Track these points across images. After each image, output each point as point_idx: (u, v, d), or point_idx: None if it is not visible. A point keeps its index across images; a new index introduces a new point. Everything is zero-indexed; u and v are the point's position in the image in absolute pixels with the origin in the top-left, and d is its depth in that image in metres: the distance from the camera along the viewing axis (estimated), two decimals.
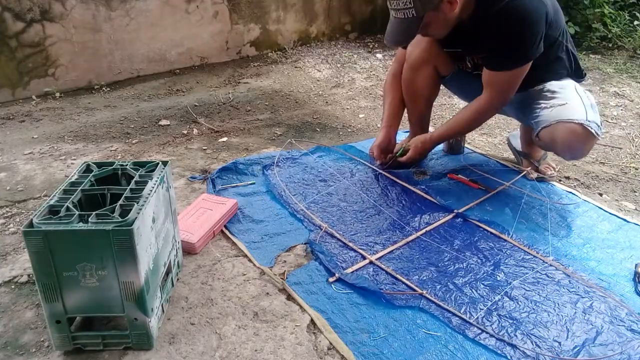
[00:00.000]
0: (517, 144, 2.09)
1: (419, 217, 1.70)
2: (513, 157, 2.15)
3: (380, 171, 1.99)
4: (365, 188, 1.87)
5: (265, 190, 1.85)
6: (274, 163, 2.01)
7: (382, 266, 1.46)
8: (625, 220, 1.70)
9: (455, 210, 1.72)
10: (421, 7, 1.55)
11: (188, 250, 1.51)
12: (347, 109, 2.75)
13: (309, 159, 2.08)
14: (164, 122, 2.54)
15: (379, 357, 1.16)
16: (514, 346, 1.19)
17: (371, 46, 3.94)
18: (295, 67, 3.45)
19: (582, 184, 1.97)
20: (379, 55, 3.72)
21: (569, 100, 1.67)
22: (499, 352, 1.18)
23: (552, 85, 1.73)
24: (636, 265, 1.46)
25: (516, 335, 1.22)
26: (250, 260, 1.48)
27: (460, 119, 1.83)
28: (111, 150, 2.22)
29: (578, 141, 1.64)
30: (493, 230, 1.63)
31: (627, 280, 1.42)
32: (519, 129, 2.11)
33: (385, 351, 1.18)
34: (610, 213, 1.73)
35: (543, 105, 1.72)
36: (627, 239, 1.60)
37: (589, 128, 1.61)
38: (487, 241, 1.59)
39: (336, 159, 2.10)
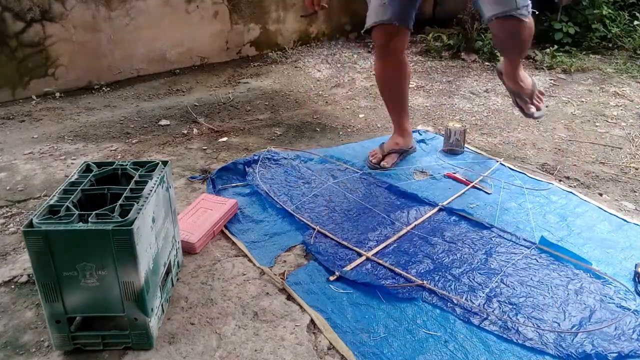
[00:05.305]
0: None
1: (407, 212, 1.72)
2: (514, 157, 2.16)
3: (376, 166, 2.01)
4: (349, 188, 1.88)
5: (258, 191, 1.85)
6: (255, 161, 2.01)
7: (380, 261, 1.47)
8: (625, 220, 1.70)
9: (440, 204, 1.75)
10: None
11: (188, 250, 1.51)
12: (347, 108, 2.75)
13: (290, 161, 2.07)
14: (164, 122, 2.54)
15: (379, 357, 1.16)
16: (517, 330, 1.23)
17: (371, 46, 3.94)
18: (295, 67, 3.45)
19: (582, 184, 1.97)
20: None
21: None
22: (504, 336, 1.21)
23: None
24: (636, 265, 1.46)
25: (518, 320, 1.26)
26: (250, 260, 1.48)
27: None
28: (111, 150, 2.22)
29: (515, 33, 1.70)
30: (479, 220, 1.66)
31: (627, 281, 1.42)
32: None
33: (385, 351, 1.18)
34: (610, 213, 1.74)
35: None
36: (627, 239, 1.60)
37: (520, 17, 1.65)
38: (476, 231, 1.62)
39: (318, 161, 2.09)
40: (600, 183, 1.98)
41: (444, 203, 1.76)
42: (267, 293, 1.36)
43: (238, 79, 3.20)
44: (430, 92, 3.02)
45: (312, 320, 1.26)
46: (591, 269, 1.44)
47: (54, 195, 1.14)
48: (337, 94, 2.98)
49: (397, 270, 1.43)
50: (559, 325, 1.25)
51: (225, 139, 2.34)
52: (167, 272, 1.30)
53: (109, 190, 1.20)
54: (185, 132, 2.42)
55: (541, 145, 2.31)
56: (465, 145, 2.20)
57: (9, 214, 1.74)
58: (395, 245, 1.56)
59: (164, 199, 1.27)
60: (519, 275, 1.42)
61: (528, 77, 1.99)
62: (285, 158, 2.08)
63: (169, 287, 1.32)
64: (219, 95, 2.91)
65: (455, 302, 1.32)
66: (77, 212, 1.07)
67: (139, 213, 1.08)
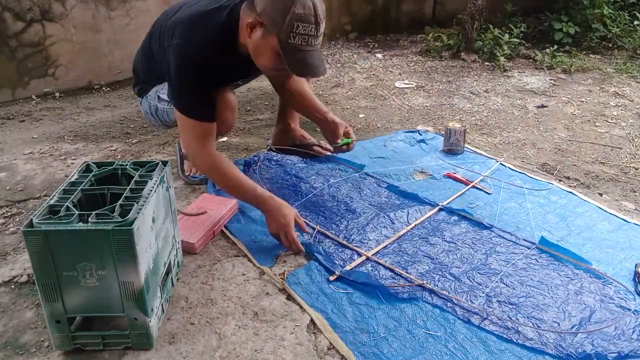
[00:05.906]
0: None
1: (407, 211, 1.72)
2: (514, 157, 2.16)
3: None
4: (349, 187, 1.88)
5: None
6: (255, 162, 2.02)
7: (380, 261, 1.47)
8: (625, 220, 1.70)
9: (440, 204, 1.75)
10: None
11: (188, 250, 1.51)
12: (347, 108, 2.75)
13: (287, 161, 2.07)
14: None
15: (379, 357, 1.16)
16: (517, 330, 1.23)
17: (371, 46, 3.94)
18: None
19: (582, 184, 1.97)
20: (379, 55, 3.72)
21: None
22: (504, 336, 1.21)
23: None
24: (636, 265, 1.46)
25: (518, 319, 1.27)
26: (250, 260, 1.48)
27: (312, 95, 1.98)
28: (111, 150, 2.22)
29: None
30: (479, 220, 1.66)
31: (627, 280, 1.42)
32: None
33: (385, 351, 1.18)
34: (610, 213, 1.73)
35: None
36: (627, 239, 1.60)
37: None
38: (476, 231, 1.63)
39: (318, 161, 2.09)
40: (600, 183, 1.98)
41: (444, 203, 1.76)
42: (267, 293, 1.36)
43: None
44: (430, 92, 3.02)
45: (312, 320, 1.26)
46: (591, 269, 1.44)
47: (54, 195, 1.14)
48: (337, 94, 2.98)
49: (397, 270, 1.43)
50: (559, 325, 1.25)
51: (225, 139, 2.34)
52: (167, 272, 1.30)
53: (109, 190, 1.20)
54: None
55: (541, 145, 2.31)
56: (465, 145, 2.20)
57: (9, 214, 1.74)
58: (395, 245, 1.56)
59: (164, 199, 1.27)
60: (519, 275, 1.42)
61: None
62: (285, 158, 2.08)
63: (169, 287, 1.32)
64: None
65: (455, 302, 1.32)
66: (77, 212, 1.07)
67: (139, 213, 1.08)
